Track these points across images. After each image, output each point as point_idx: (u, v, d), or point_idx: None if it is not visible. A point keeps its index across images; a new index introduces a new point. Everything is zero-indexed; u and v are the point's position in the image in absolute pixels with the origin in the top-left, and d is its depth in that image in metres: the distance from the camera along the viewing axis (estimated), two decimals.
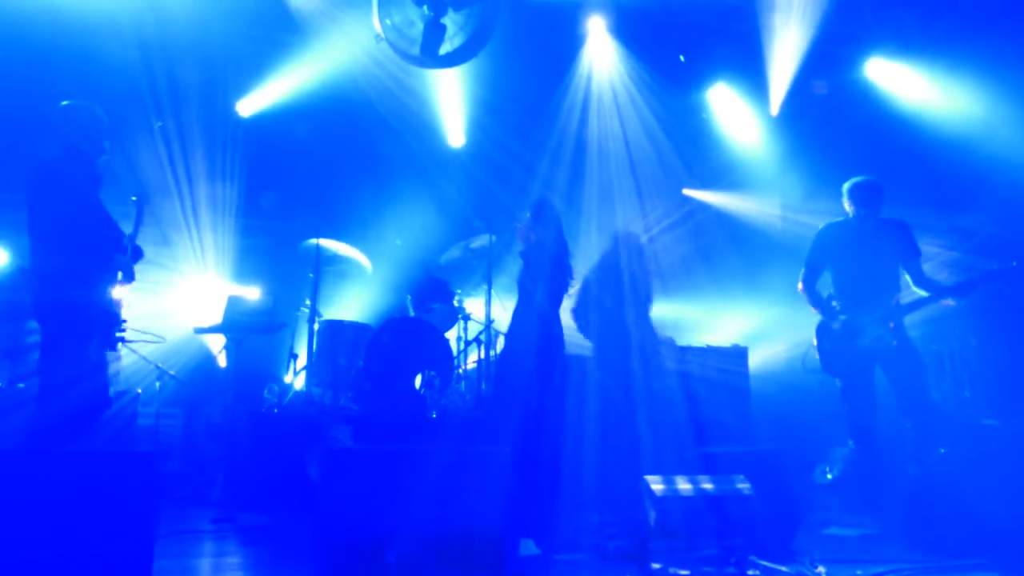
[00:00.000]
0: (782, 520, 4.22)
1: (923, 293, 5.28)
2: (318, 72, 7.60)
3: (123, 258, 4.48)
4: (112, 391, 4.73)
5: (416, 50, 6.26)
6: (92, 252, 4.31)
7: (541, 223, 5.28)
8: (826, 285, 5.65)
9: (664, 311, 8.54)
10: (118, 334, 4.45)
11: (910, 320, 5.38)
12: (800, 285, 5.65)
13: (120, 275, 4.44)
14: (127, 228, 4.57)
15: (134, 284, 4.57)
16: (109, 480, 3.00)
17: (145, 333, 5.66)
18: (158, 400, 6.24)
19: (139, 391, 6.00)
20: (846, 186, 5.59)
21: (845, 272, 5.52)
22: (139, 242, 4.64)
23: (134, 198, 4.69)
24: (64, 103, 4.54)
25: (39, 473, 2.94)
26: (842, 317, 5.42)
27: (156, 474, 3.12)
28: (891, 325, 5.25)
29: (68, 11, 6.44)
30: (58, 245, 4.23)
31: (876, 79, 7.85)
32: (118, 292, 4.43)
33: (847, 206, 5.59)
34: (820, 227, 5.71)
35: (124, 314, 4.50)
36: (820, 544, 4.46)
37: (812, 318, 5.67)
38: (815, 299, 5.58)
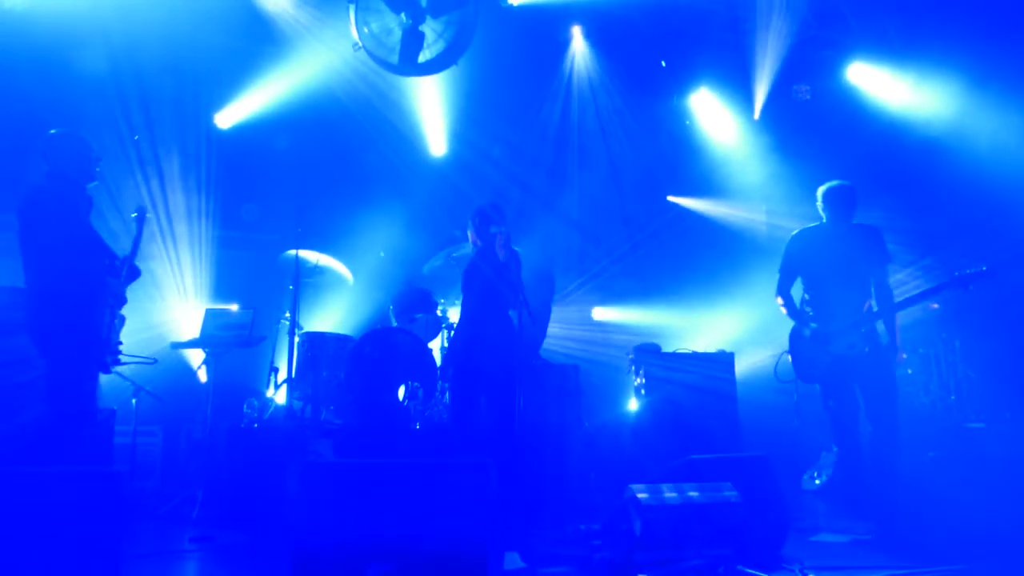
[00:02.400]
0: (771, 527, 4.16)
1: (878, 305, 5.26)
2: (296, 82, 7.54)
3: (115, 281, 4.49)
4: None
5: (395, 58, 6.22)
6: (83, 277, 4.33)
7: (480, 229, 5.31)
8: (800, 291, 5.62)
9: (650, 318, 8.53)
10: (112, 357, 4.43)
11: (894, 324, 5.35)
12: (776, 294, 5.61)
13: (111, 299, 4.45)
14: (127, 245, 4.58)
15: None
16: (77, 500, 2.91)
17: (137, 357, 5.55)
18: (135, 418, 6.11)
19: (114, 408, 5.87)
20: (820, 190, 5.55)
21: (817, 278, 5.48)
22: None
23: (134, 215, 4.66)
24: (52, 131, 4.56)
25: (4, 492, 2.85)
26: (813, 325, 5.40)
27: (125, 494, 3.03)
28: (862, 331, 5.22)
29: (37, 25, 6.36)
30: (49, 272, 4.27)
31: (858, 83, 7.86)
32: (111, 316, 4.41)
33: (821, 211, 5.56)
34: (793, 233, 5.67)
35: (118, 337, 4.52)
36: (810, 551, 4.40)
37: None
38: (789, 306, 5.56)
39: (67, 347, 4.21)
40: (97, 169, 4.64)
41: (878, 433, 5.17)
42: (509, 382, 4.99)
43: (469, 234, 5.50)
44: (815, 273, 5.48)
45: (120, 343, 4.52)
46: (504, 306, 5.25)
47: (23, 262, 4.34)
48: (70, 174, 4.48)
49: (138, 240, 4.65)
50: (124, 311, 4.67)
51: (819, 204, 5.55)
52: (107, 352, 4.38)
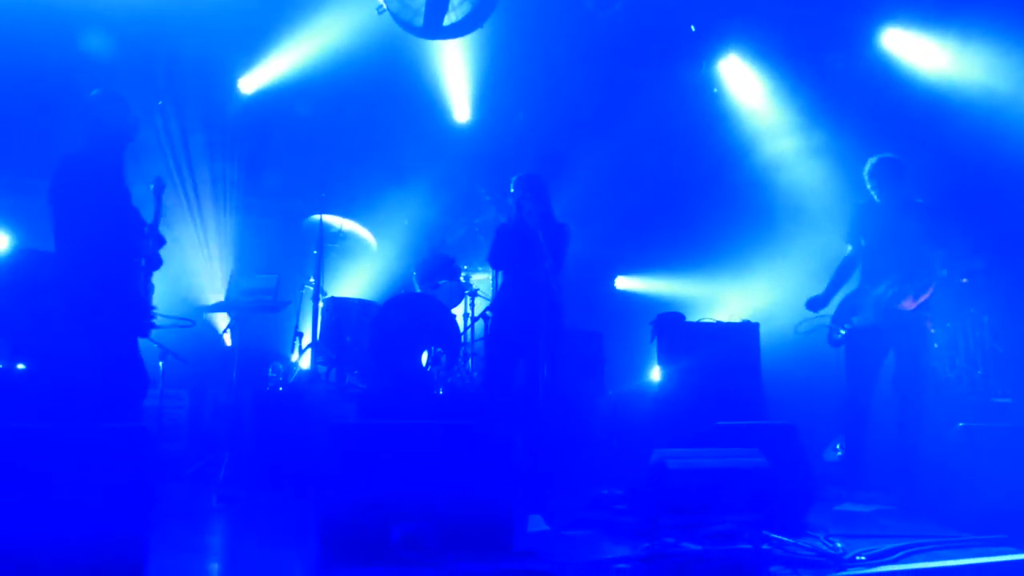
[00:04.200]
0: (795, 495, 4.14)
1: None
2: (320, 47, 7.47)
3: (147, 244, 4.48)
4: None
5: (420, 21, 6.16)
6: (117, 241, 4.31)
7: (535, 198, 5.21)
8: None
9: (674, 288, 8.48)
10: (148, 319, 4.45)
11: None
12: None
13: (144, 262, 4.44)
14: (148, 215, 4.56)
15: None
16: (106, 457, 2.94)
17: (173, 318, 5.57)
18: (162, 382, 6.18)
19: None
20: (867, 165, 5.47)
21: (868, 251, 5.48)
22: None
23: (152, 185, 4.66)
24: (93, 92, 4.50)
25: (35, 449, 2.88)
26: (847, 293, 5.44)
27: (154, 452, 3.05)
28: (883, 306, 5.20)
29: None
30: (85, 235, 4.24)
31: (893, 50, 7.66)
32: (145, 278, 4.43)
33: (869, 189, 5.48)
34: (856, 203, 5.61)
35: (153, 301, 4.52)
36: (834, 520, 4.39)
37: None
38: (837, 272, 5.56)
39: (105, 310, 4.19)
40: (135, 133, 4.56)
41: (903, 401, 5.17)
42: (542, 351, 4.97)
43: (510, 200, 5.41)
44: (868, 245, 5.46)
45: (154, 307, 4.52)
46: (544, 275, 5.19)
47: (55, 225, 4.29)
48: (109, 137, 4.43)
49: (159, 209, 4.65)
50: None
51: (865, 178, 5.47)
52: (144, 314, 4.38)
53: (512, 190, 5.33)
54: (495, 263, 5.49)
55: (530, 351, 5.03)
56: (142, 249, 4.44)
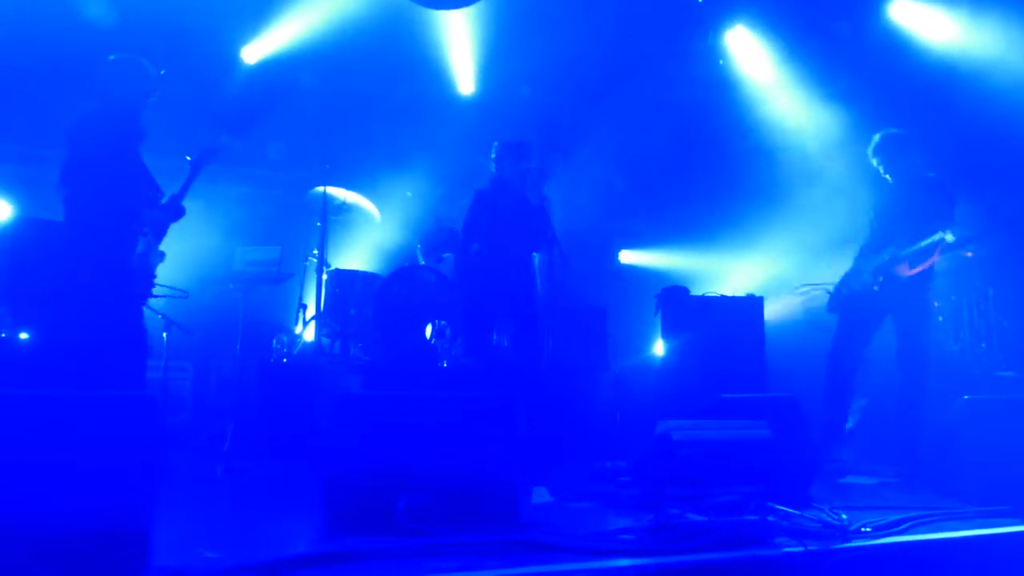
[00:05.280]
0: (799, 468, 4.14)
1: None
2: (324, 16, 7.40)
3: (154, 212, 4.45)
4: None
5: None
6: (119, 206, 4.29)
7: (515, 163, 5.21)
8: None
9: (678, 261, 8.45)
10: (145, 288, 4.43)
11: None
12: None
13: (147, 230, 4.40)
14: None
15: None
16: (111, 425, 2.93)
17: (168, 288, 5.57)
18: (166, 353, 6.18)
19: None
20: (872, 142, 5.47)
21: (875, 223, 5.51)
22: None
23: (188, 158, 4.62)
24: (111, 57, 4.48)
25: (40, 415, 2.87)
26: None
27: (159, 420, 3.05)
28: (880, 278, 5.23)
29: None
30: (87, 197, 4.24)
31: (901, 20, 7.57)
32: (146, 247, 4.39)
33: (874, 162, 5.48)
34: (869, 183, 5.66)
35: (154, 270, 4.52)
36: (838, 492, 4.40)
37: (827, 267, 5.62)
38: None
39: (98, 275, 4.19)
40: (152, 99, 4.55)
41: (904, 376, 5.19)
42: (532, 323, 4.96)
43: (492, 167, 5.41)
44: (873, 219, 5.51)
45: (155, 276, 4.51)
46: (527, 247, 5.19)
47: (64, 191, 4.30)
48: (124, 102, 4.41)
49: (189, 183, 4.63)
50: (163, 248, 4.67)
51: (871, 158, 5.48)
52: (143, 282, 4.36)
53: (493, 155, 5.32)
54: (468, 233, 5.44)
55: (505, 319, 5.04)
56: (147, 216, 4.41)
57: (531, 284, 5.24)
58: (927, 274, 5.18)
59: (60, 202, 4.33)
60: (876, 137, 5.45)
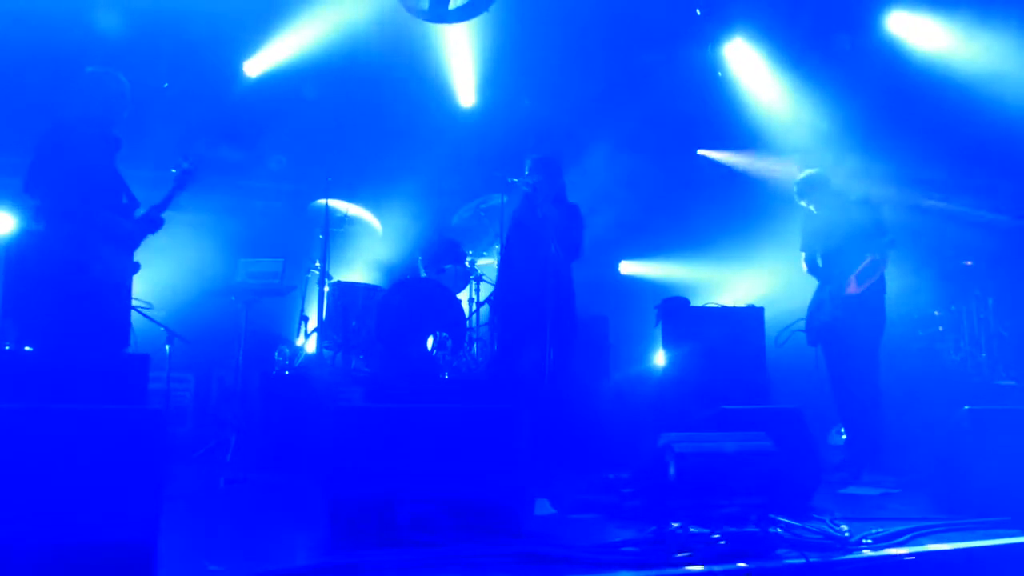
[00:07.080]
0: (801, 479, 4.16)
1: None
2: (325, 30, 7.44)
3: (125, 222, 4.42)
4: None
5: (425, 4, 6.14)
6: (78, 213, 4.23)
7: (549, 178, 5.21)
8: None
9: (679, 272, 8.47)
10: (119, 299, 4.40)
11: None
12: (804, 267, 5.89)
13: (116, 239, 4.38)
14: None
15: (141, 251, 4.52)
16: (117, 439, 2.94)
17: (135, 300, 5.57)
18: (168, 364, 6.20)
19: (148, 354, 5.94)
20: (793, 188, 5.87)
21: (822, 256, 5.77)
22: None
23: (174, 170, 4.61)
24: (89, 69, 4.48)
25: (42, 431, 2.88)
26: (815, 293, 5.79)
27: (164, 432, 3.06)
28: (839, 304, 5.50)
29: None
30: (48, 206, 4.21)
31: (899, 33, 7.62)
32: (113, 256, 4.36)
33: (802, 203, 5.82)
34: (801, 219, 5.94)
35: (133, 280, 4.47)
36: (839, 503, 4.40)
37: None
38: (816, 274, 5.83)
39: (59, 285, 4.15)
40: (125, 113, 4.53)
41: (838, 403, 5.62)
42: (570, 339, 4.99)
43: (527, 180, 5.41)
44: (821, 251, 5.76)
45: (128, 286, 4.45)
46: (552, 259, 5.20)
47: (31, 200, 4.28)
48: (99, 113, 4.41)
49: (172, 196, 4.60)
50: (154, 260, 4.64)
51: (797, 201, 5.84)
52: (105, 291, 4.29)
53: (527, 172, 5.34)
54: (507, 253, 5.51)
55: (537, 336, 5.04)
56: (114, 225, 4.36)
57: (570, 299, 5.33)
58: (878, 287, 5.46)
59: (28, 210, 4.31)
60: (794, 185, 5.88)
